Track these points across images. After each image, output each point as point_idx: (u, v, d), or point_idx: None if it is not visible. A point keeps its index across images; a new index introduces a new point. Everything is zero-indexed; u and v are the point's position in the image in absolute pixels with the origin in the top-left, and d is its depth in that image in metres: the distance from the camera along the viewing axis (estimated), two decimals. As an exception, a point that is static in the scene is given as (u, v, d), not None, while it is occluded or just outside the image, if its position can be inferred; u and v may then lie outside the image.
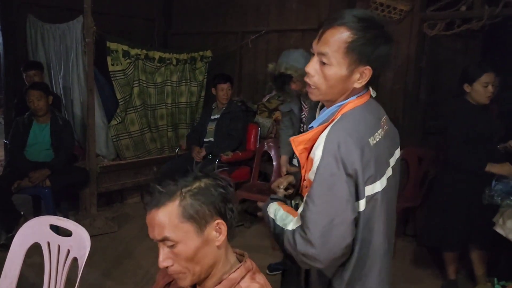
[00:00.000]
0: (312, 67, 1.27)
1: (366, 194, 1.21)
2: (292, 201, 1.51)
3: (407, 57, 3.65)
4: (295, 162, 3.02)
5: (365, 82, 1.26)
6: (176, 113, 4.89)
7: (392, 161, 1.37)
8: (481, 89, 2.66)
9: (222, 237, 1.10)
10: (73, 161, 3.95)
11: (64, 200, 3.83)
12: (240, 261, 1.16)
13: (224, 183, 1.11)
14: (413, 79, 3.70)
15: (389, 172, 1.32)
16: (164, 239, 1.06)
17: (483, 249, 2.82)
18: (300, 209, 1.26)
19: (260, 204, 1.51)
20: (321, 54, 1.25)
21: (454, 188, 2.76)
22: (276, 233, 1.32)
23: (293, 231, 1.24)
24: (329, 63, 1.23)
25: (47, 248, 1.79)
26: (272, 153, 3.95)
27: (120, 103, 4.29)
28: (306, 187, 1.27)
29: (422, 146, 3.77)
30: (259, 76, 4.93)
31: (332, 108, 1.31)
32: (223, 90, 4.09)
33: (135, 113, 4.47)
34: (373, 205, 1.25)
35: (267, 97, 4.60)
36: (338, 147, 1.17)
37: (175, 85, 4.78)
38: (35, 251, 1.84)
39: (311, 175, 1.22)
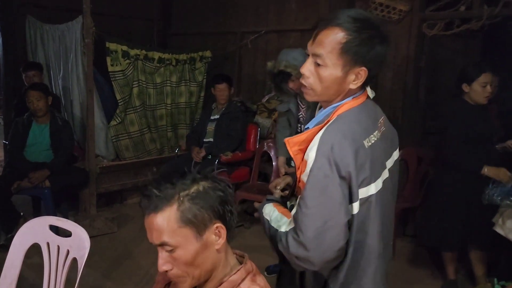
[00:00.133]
0: (307, 68, 1.26)
1: (360, 197, 1.20)
2: (288, 202, 1.50)
3: (406, 57, 3.64)
4: (293, 163, 3.01)
5: (361, 83, 1.25)
6: (175, 113, 4.88)
7: (390, 163, 1.35)
8: (480, 89, 2.66)
9: (222, 240, 1.08)
10: (73, 162, 3.95)
11: (63, 201, 3.82)
12: (240, 263, 1.15)
13: (223, 185, 1.09)
14: (413, 79, 3.70)
15: (385, 174, 1.30)
16: (162, 244, 1.04)
17: (482, 249, 2.81)
18: (293, 211, 1.25)
19: (256, 204, 1.51)
20: (315, 55, 1.23)
21: (454, 188, 2.76)
22: (271, 235, 1.31)
23: (286, 233, 1.23)
24: (324, 64, 1.22)
25: (46, 249, 1.80)
26: (272, 154, 3.95)
27: (120, 104, 4.29)
28: (301, 189, 1.26)
29: (421, 146, 3.77)
30: (259, 76, 4.93)
31: (328, 109, 1.30)
32: (220, 91, 4.10)
33: (135, 113, 4.47)
34: (368, 208, 1.23)
35: (267, 97, 4.60)
36: (332, 149, 1.16)
37: (175, 85, 4.77)
38: (34, 252, 1.84)
39: (304, 177, 1.21)
